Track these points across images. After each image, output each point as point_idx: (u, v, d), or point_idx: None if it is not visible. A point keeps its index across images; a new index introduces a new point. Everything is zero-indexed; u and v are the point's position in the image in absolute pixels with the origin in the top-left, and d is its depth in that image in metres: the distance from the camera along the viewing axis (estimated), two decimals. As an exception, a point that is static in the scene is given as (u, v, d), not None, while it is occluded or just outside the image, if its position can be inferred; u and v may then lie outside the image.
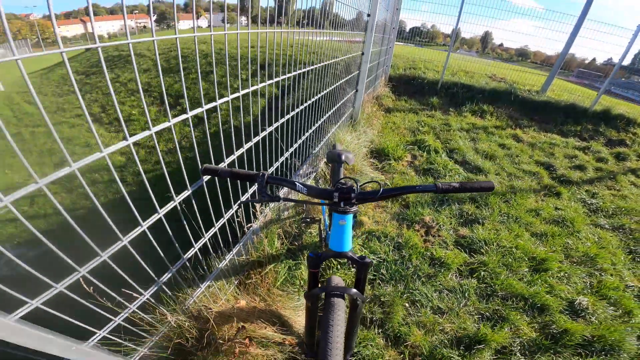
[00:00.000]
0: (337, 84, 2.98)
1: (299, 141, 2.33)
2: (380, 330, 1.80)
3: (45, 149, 7.12)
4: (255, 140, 1.68)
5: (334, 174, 1.96)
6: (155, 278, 1.22)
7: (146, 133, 1.01)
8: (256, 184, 1.06)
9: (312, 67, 2.25)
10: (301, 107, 2.22)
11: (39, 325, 0.79)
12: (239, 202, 1.66)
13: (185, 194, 1.26)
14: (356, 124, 3.87)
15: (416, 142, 4.27)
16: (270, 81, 1.67)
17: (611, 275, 2.45)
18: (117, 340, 1.10)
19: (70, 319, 0.89)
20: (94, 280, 0.96)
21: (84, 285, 0.94)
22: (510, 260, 2.40)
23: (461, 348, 1.75)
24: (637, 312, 2.13)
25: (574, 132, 5.67)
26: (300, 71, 2.05)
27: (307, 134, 2.48)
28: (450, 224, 2.79)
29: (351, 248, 1.14)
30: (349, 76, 3.39)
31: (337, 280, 1.26)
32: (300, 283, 1.96)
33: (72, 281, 0.89)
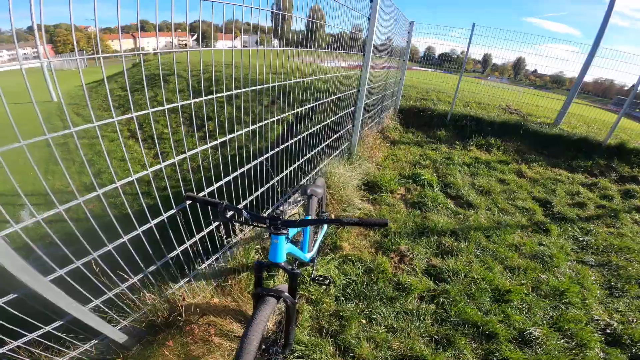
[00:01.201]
0: (328, 121, 3.37)
1: (282, 174, 2.72)
2: (332, 340, 2.07)
3: (86, 159, 8.00)
4: (234, 175, 2.09)
5: (308, 206, 2.34)
6: (143, 267, 1.66)
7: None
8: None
9: (306, 107, 2.70)
10: (288, 143, 2.64)
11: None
12: (218, 221, 2.09)
13: (171, 212, 1.73)
14: (352, 157, 4.21)
15: (412, 176, 4.52)
16: (266, 121, 2.09)
17: (578, 309, 2.55)
18: (105, 309, 1.53)
19: (77, 286, 1.34)
20: (101, 263, 1.43)
21: (94, 266, 1.42)
22: (473, 289, 2.58)
23: (401, 364, 1.97)
24: (593, 344, 2.24)
25: (583, 168, 5.67)
26: (300, 109, 2.49)
27: (293, 166, 2.87)
28: (425, 253, 3.01)
29: (284, 260, 1.51)
30: (343, 112, 3.77)
31: (283, 287, 1.60)
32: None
33: (86, 261, 1.37)
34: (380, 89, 5.53)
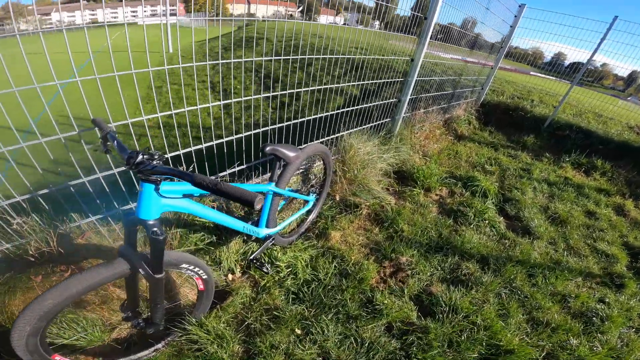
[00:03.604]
0: (352, 83, 2.81)
1: (259, 129, 2.30)
2: (244, 339, 1.69)
3: (167, 102, 8.75)
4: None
5: (273, 172, 1.91)
6: (30, 188, 1.47)
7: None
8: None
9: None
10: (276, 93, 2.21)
11: None
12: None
13: (70, 133, 1.53)
14: (391, 138, 3.55)
15: (465, 178, 3.67)
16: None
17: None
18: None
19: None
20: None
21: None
22: (462, 338, 1.90)
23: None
24: None
25: None
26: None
27: (294, 122, 2.47)
28: (430, 274, 2.35)
29: (153, 218, 1.14)
30: (384, 80, 3.13)
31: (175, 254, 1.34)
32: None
33: None
34: (454, 71, 4.58)
